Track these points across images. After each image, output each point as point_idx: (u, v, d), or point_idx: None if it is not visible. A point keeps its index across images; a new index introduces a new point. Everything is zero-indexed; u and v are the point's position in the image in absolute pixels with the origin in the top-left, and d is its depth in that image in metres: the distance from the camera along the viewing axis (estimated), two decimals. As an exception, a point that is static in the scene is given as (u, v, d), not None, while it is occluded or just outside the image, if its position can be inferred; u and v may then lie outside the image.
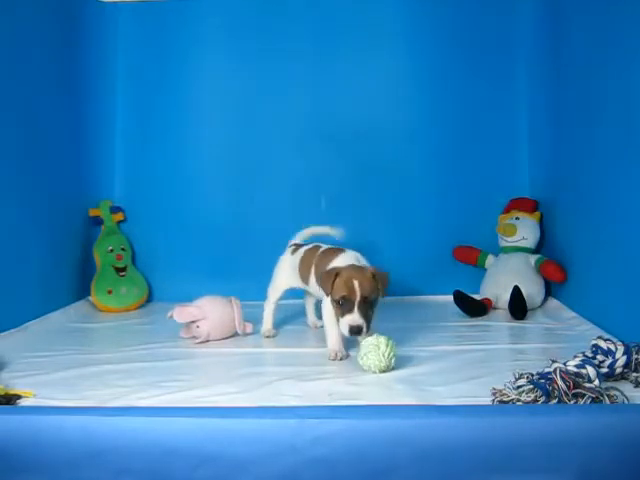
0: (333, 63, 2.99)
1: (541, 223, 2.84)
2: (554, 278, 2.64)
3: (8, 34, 2.35)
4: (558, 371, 1.45)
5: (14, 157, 2.39)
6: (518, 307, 2.47)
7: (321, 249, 2.22)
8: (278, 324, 2.43)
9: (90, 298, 2.92)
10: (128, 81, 3.07)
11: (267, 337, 2.33)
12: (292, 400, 1.60)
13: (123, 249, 3.01)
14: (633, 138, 1.96)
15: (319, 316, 2.18)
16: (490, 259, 2.88)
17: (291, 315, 2.56)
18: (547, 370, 1.49)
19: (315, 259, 2.18)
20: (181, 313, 2.25)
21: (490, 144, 2.98)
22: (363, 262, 2.06)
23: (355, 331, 1.89)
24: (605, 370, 1.64)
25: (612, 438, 1.22)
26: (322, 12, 2.99)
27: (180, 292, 2.70)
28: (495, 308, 2.64)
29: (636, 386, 1.63)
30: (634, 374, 1.66)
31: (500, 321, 2.47)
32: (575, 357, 1.55)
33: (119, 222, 3.08)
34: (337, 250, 2.13)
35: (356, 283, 1.90)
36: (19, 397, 1.61)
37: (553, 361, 1.52)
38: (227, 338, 2.30)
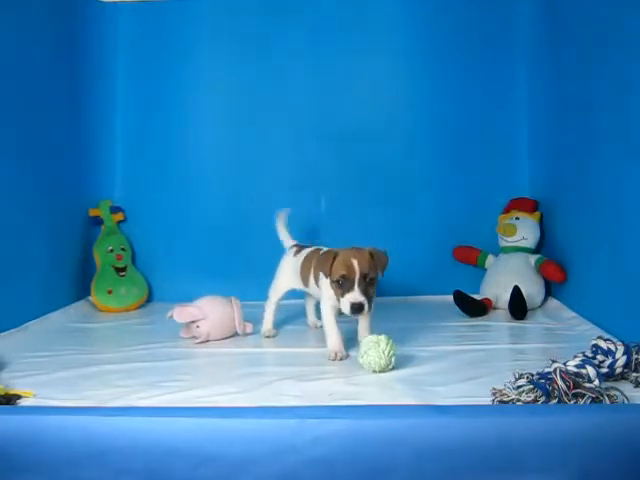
0: (333, 63, 3.00)
1: (541, 223, 2.84)
2: (554, 278, 2.64)
3: (8, 34, 2.35)
4: (558, 371, 1.45)
5: (14, 157, 2.39)
6: (518, 307, 2.47)
7: (322, 252, 2.22)
8: (278, 324, 2.43)
9: (90, 298, 2.92)
10: (128, 81, 3.07)
11: (267, 337, 2.33)
12: (292, 400, 1.60)
13: (123, 249, 3.01)
14: (633, 138, 1.96)
15: (319, 316, 2.18)
16: (490, 259, 2.88)
17: (291, 315, 2.56)
18: (547, 370, 1.49)
19: (315, 262, 2.18)
20: (181, 313, 2.25)
21: (490, 144, 2.99)
22: None
23: (356, 308, 1.90)
24: (605, 370, 1.64)
25: (612, 438, 1.22)
26: (322, 12, 2.99)
27: (180, 292, 2.71)
28: (495, 308, 2.64)
29: (636, 386, 1.63)
30: (634, 374, 1.66)
31: (500, 321, 2.47)
32: (575, 357, 1.55)
33: (119, 222, 3.08)
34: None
35: (355, 262, 1.92)
36: (19, 397, 1.61)
37: (553, 361, 1.52)
38: (227, 338, 2.30)
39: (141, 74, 3.08)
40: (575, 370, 1.48)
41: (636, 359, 1.67)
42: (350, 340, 2.09)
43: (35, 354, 2.09)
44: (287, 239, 2.44)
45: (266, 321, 2.37)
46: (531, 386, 1.47)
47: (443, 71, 2.98)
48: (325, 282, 2.03)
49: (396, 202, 2.99)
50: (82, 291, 2.92)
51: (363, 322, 2.10)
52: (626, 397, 1.49)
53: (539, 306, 2.65)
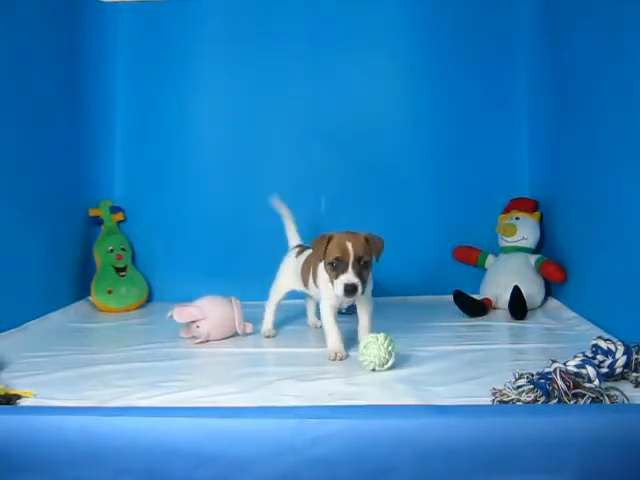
0: (333, 63, 3.00)
1: (541, 223, 2.84)
2: (554, 278, 2.64)
3: (8, 34, 2.35)
4: (558, 371, 1.45)
5: (14, 157, 2.39)
6: (518, 307, 2.47)
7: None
8: (278, 324, 2.43)
9: (90, 298, 2.92)
10: (128, 81, 3.07)
11: (267, 337, 2.33)
12: (292, 400, 1.60)
13: (123, 249, 3.01)
14: (633, 138, 1.96)
15: (319, 316, 2.18)
16: (490, 259, 2.88)
17: (291, 315, 2.56)
18: (547, 370, 1.49)
19: (314, 263, 2.18)
20: (181, 313, 2.25)
21: (490, 144, 2.99)
22: None
23: (350, 289, 1.90)
24: (605, 370, 1.64)
25: (612, 438, 1.22)
26: (322, 12, 3.00)
27: (180, 292, 2.71)
28: (495, 308, 2.64)
29: (636, 386, 1.63)
30: (634, 374, 1.66)
31: (500, 321, 2.47)
32: (575, 357, 1.55)
33: (119, 222, 3.08)
34: None
35: (349, 244, 1.92)
36: (19, 397, 1.61)
37: (553, 361, 1.52)
38: (227, 338, 2.30)
39: (141, 74, 3.08)
40: (575, 370, 1.48)
41: (636, 359, 1.67)
42: (350, 340, 2.09)
43: (35, 354, 2.09)
44: (293, 238, 2.43)
45: (266, 321, 2.37)
46: (531, 386, 1.47)
47: (443, 71, 2.98)
48: (324, 283, 2.03)
49: (396, 202, 2.99)
50: (82, 291, 2.92)
51: (363, 321, 2.10)
52: (626, 397, 1.49)
53: (539, 306, 2.65)
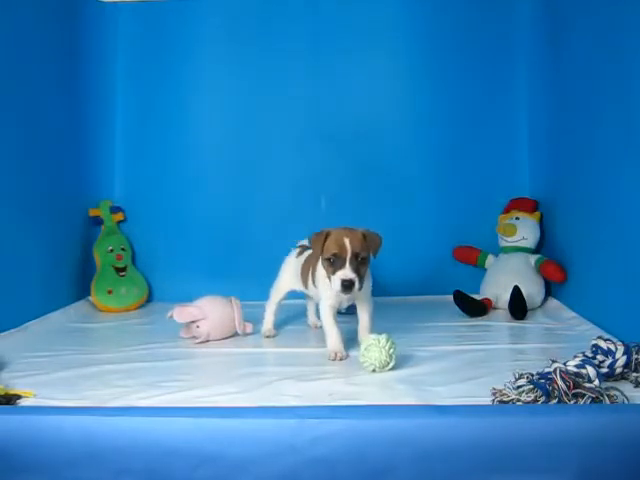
0: (333, 63, 3.00)
1: (541, 223, 2.84)
2: (554, 278, 2.64)
3: (8, 34, 2.35)
4: (558, 371, 1.45)
5: (14, 157, 2.39)
6: (518, 307, 2.47)
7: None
8: (279, 324, 2.43)
9: (90, 298, 2.92)
10: (128, 81, 3.07)
11: (267, 337, 2.33)
12: (292, 400, 1.60)
13: (123, 249, 3.01)
14: (633, 138, 1.96)
15: (320, 316, 2.18)
16: (490, 259, 2.88)
17: (291, 315, 2.56)
18: (547, 370, 1.49)
19: (313, 264, 2.17)
20: (181, 313, 2.25)
21: (490, 144, 2.99)
22: None
23: (347, 285, 1.90)
24: (605, 370, 1.64)
25: (612, 438, 1.22)
26: (322, 12, 3.00)
27: (180, 292, 2.71)
28: (495, 308, 2.64)
29: (636, 386, 1.63)
30: (634, 374, 1.66)
31: (500, 321, 2.47)
32: (575, 357, 1.55)
33: (119, 222, 3.08)
34: None
35: (347, 240, 1.93)
36: (19, 397, 1.61)
37: (553, 361, 1.52)
38: (227, 338, 2.30)
39: (141, 74, 3.08)
40: (575, 370, 1.48)
41: (636, 359, 1.67)
42: (350, 340, 2.09)
43: (35, 354, 2.09)
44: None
45: (266, 321, 2.36)
46: (531, 386, 1.47)
47: (443, 71, 2.98)
48: (323, 282, 2.03)
49: (396, 202, 2.99)
50: (82, 291, 2.92)
51: (363, 322, 2.10)
52: (626, 397, 1.49)
53: (539, 306, 2.65)
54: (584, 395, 1.42)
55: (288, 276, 2.34)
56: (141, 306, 2.94)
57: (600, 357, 1.66)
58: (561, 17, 2.61)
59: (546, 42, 2.78)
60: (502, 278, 2.69)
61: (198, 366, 2.02)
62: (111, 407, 1.53)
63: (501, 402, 1.48)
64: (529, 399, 1.45)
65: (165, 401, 1.63)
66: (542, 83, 2.83)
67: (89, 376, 1.86)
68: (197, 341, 2.25)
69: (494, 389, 1.53)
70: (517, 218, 2.82)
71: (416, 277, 2.91)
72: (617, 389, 1.50)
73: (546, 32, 2.78)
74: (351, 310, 2.20)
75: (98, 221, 3.02)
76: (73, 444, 1.28)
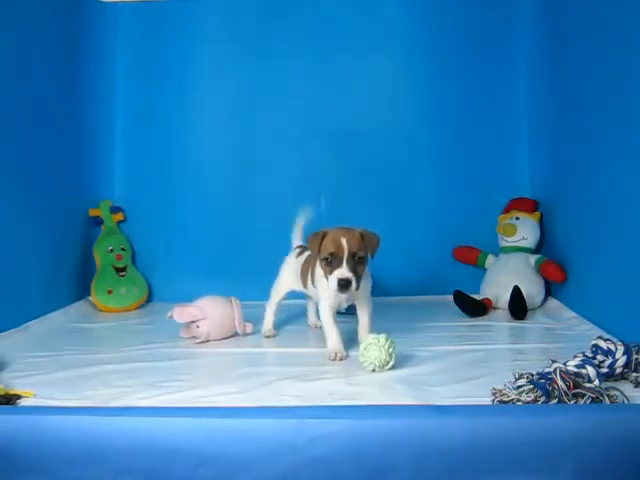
0: (333, 63, 3.00)
1: (541, 223, 2.84)
2: (554, 278, 2.64)
3: (8, 34, 2.35)
4: (558, 371, 1.45)
5: (14, 157, 2.39)
6: (518, 307, 2.47)
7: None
8: (279, 324, 2.43)
9: (90, 298, 2.92)
10: (128, 81, 3.08)
11: (267, 337, 2.33)
12: (292, 400, 1.60)
13: (123, 249, 3.01)
14: (633, 138, 1.96)
15: (320, 316, 2.18)
16: (490, 259, 2.88)
17: (292, 315, 2.56)
18: (547, 370, 1.49)
19: (312, 264, 2.17)
20: (181, 313, 2.25)
21: (490, 144, 2.99)
22: None
23: (344, 284, 1.90)
24: (605, 370, 1.64)
25: (612, 438, 1.22)
26: (321, 13, 3.00)
27: (180, 292, 2.71)
28: (495, 308, 2.64)
29: (636, 386, 1.63)
30: (634, 374, 1.66)
31: (500, 321, 2.47)
32: (575, 357, 1.55)
33: (119, 222, 3.08)
34: None
35: (344, 240, 1.93)
36: (19, 397, 1.61)
37: (553, 361, 1.52)
38: (227, 338, 2.30)
39: (141, 74, 3.08)
40: (575, 370, 1.48)
41: (636, 359, 1.67)
42: (350, 340, 2.09)
43: (35, 354, 2.09)
44: (297, 239, 2.42)
45: (266, 321, 2.37)
46: (531, 386, 1.47)
47: (443, 71, 2.98)
48: (322, 282, 2.03)
49: (396, 202, 2.99)
50: (82, 291, 2.92)
51: (363, 322, 2.11)
52: (626, 397, 1.49)
53: (539, 306, 2.65)
54: (584, 395, 1.42)
55: (288, 276, 2.34)
56: (141, 306, 2.94)
57: (600, 357, 1.66)
58: (561, 17, 2.61)
59: (546, 42, 2.78)
60: (502, 278, 2.69)
61: (198, 366, 2.02)
62: (111, 407, 1.54)
63: (501, 402, 1.48)
64: (529, 399, 1.45)
65: (165, 401, 1.63)
66: (542, 83, 2.83)
67: (89, 376, 1.86)
68: (197, 341, 2.25)
69: (494, 389, 1.53)
70: (517, 218, 2.82)
71: (416, 277, 2.91)
72: (617, 389, 1.50)
73: (546, 32, 2.78)
74: (351, 310, 2.20)
75: (98, 221, 3.02)
76: (73, 444, 1.28)
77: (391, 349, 1.82)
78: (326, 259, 1.95)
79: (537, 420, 1.25)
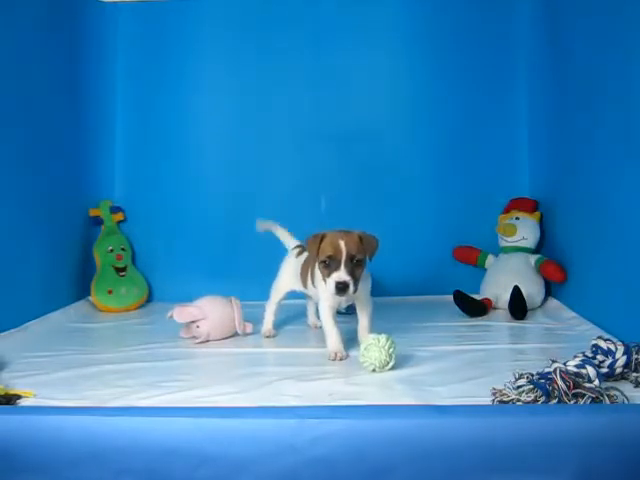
0: (333, 63, 3.00)
1: (541, 223, 2.84)
2: (554, 278, 2.64)
3: (8, 34, 2.35)
4: (558, 371, 1.45)
5: (14, 157, 2.39)
6: (518, 307, 2.47)
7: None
8: (279, 324, 2.43)
9: (90, 298, 2.92)
10: (128, 81, 3.07)
11: (267, 337, 2.33)
12: (292, 400, 1.60)
13: (123, 249, 3.01)
14: (633, 138, 1.96)
15: (320, 316, 2.18)
16: (490, 259, 2.88)
17: (291, 315, 2.56)
18: (547, 370, 1.49)
19: (312, 264, 2.17)
20: (181, 313, 2.25)
21: (490, 144, 2.99)
22: None
23: (341, 287, 1.90)
24: (605, 370, 1.64)
25: (612, 438, 1.22)
26: (322, 12, 2.99)
27: (180, 292, 2.71)
28: (495, 308, 2.64)
29: (636, 386, 1.63)
30: (634, 374, 1.66)
31: (500, 321, 2.47)
32: (575, 357, 1.55)
33: (119, 222, 3.08)
34: None
35: (342, 243, 1.93)
36: (19, 397, 1.61)
37: (553, 361, 1.52)
38: (227, 338, 2.30)
39: (141, 74, 3.08)
40: (575, 370, 1.48)
41: (636, 359, 1.67)
42: (350, 340, 2.09)
43: (35, 354, 2.09)
44: (288, 239, 2.42)
45: (266, 321, 2.37)
46: (531, 386, 1.47)
47: (443, 71, 2.98)
48: (322, 283, 2.03)
49: (396, 202, 2.99)
50: (82, 291, 2.92)
51: (363, 322, 2.11)
52: (626, 397, 1.49)
53: (539, 306, 2.65)
54: (584, 395, 1.42)
55: (287, 276, 2.34)
56: (141, 306, 2.94)
57: (600, 357, 1.66)
58: (561, 17, 2.61)
59: (546, 42, 2.78)
60: (502, 278, 2.69)
61: (198, 366, 2.02)
62: (111, 407, 1.53)
63: (501, 402, 1.48)
64: (529, 399, 1.45)
65: (165, 401, 1.63)
66: (542, 83, 2.83)
67: (89, 376, 1.86)
68: (197, 341, 2.25)
69: (494, 389, 1.53)
70: (517, 218, 2.82)
71: (416, 277, 2.91)
72: (617, 389, 1.50)
73: (546, 32, 2.78)
74: (351, 310, 2.20)
75: (98, 221, 3.02)
76: (73, 444, 1.28)
77: (391, 350, 1.82)
78: (324, 262, 1.95)
79: (537, 420, 1.25)
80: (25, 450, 1.28)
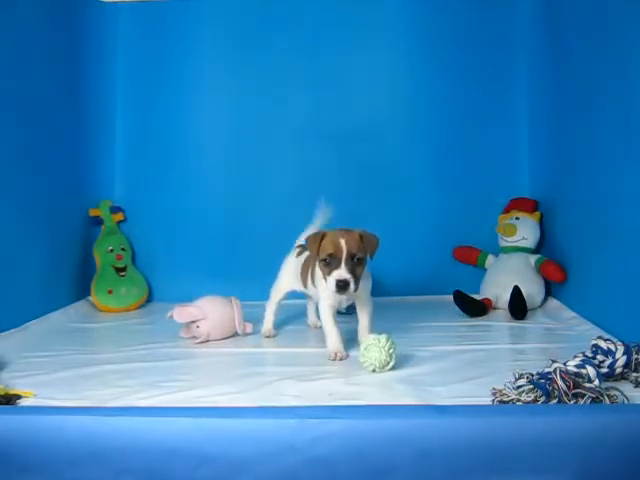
0: (333, 63, 3.00)
1: (541, 223, 2.84)
2: (554, 278, 2.64)
3: (8, 34, 2.35)
4: (558, 371, 1.45)
5: (14, 157, 2.39)
6: (518, 307, 2.47)
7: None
8: (279, 324, 2.43)
9: (90, 298, 2.92)
10: (128, 81, 3.07)
11: (267, 337, 2.33)
12: (292, 400, 1.60)
13: (123, 249, 3.01)
14: (633, 138, 1.96)
15: (320, 316, 2.18)
16: (490, 259, 2.88)
17: (291, 315, 2.56)
18: (547, 370, 1.49)
19: (312, 264, 2.17)
20: (181, 313, 2.25)
21: (490, 144, 2.99)
22: None
23: (342, 285, 1.90)
24: (605, 370, 1.64)
25: (612, 438, 1.22)
26: (322, 12, 2.99)
27: (180, 292, 2.71)
28: (495, 308, 2.64)
29: (636, 386, 1.63)
30: (634, 374, 1.66)
31: (500, 321, 2.47)
32: (575, 357, 1.55)
33: (119, 222, 3.08)
34: None
35: (342, 241, 1.93)
36: (19, 397, 1.61)
37: (553, 361, 1.52)
38: (227, 338, 2.30)
39: (141, 74, 3.08)
40: (575, 370, 1.48)
41: (636, 359, 1.67)
42: (350, 340, 2.09)
43: (35, 354, 2.09)
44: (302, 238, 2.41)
45: (266, 321, 2.37)
46: (531, 386, 1.47)
47: (443, 71, 2.98)
48: (323, 283, 2.03)
49: (396, 202, 2.99)
50: (82, 291, 2.92)
51: (363, 322, 2.11)
52: (626, 397, 1.49)
53: (539, 306, 2.65)
54: (584, 395, 1.42)
55: (288, 276, 2.34)
56: (141, 306, 2.94)
57: (600, 357, 1.66)
58: (561, 17, 2.61)
59: (546, 42, 2.78)
60: (502, 278, 2.69)
61: (198, 366, 2.02)
62: (111, 407, 1.53)
63: (501, 402, 1.48)
64: (529, 399, 1.45)
65: (165, 401, 1.63)
66: (542, 83, 2.83)
67: (89, 376, 1.86)
68: (197, 341, 2.25)
69: (494, 389, 1.53)
70: (517, 218, 2.82)
71: (416, 277, 2.91)
72: (617, 389, 1.50)
73: (546, 32, 2.78)
74: (351, 310, 2.21)
75: (98, 221, 3.02)
76: (73, 444, 1.28)
77: (391, 350, 1.82)
78: (325, 260, 1.95)
79: (537, 420, 1.25)
80: (25, 450, 1.28)
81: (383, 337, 1.83)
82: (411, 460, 1.23)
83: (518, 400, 1.46)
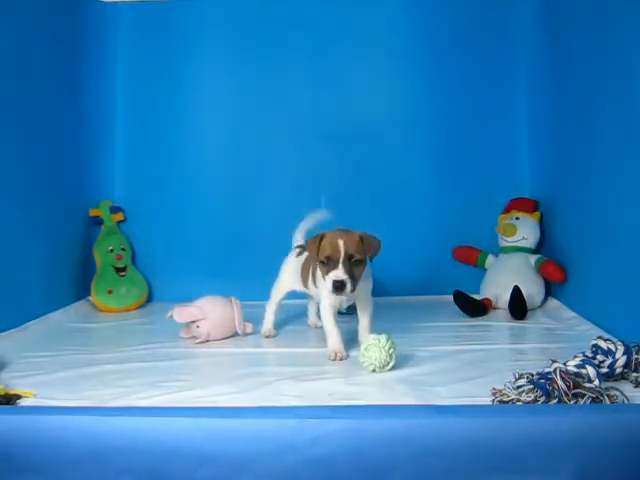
0: (333, 63, 3.00)
1: (541, 223, 2.84)
2: (554, 278, 2.64)
3: (8, 34, 2.35)
4: (558, 371, 1.45)
5: (14, 157, 2.39)
6: (518, 307, 2.47)
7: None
8: (279, 324, 2.43)
9: (90, 298, 2.92)
10: (128, 81, 3.08)
11: (267, 337, 2.33)
12: (292, 400, 1.60)
13: (123, 249, 3.01)
14: (633, 138, 1.96)
15: (320, 316, 2.18)
16: (490, 259, 2.88)
17: (292, 315, 2.56)
18: (547, 370, 1.49)
19: (313, 264, 2.18)
20: (181, 313, 2.25)
21: (490, 144, 2.99)
22: None
23: (338, 286, 1.90)
24: (605, 370, 1.64)
25: (612, 438, 1.22)
26: (322, 12, 2.99)
27: (180, 292, 2.71)
28: (495, 308, 2.64)
29: (636, 386, 1.63)
30: (634, 374, 1.66)
31: (500, 321, 2.47)
32: (575, 357, 1.55)
33: (119, 222, 3.08)
34: None
35: (341, 242, 1.93)
36: (19, 397, 1.61)
37: (553, 361, 1.52)
38: (227, 338, 2.30)
39: (141, 74, 3.08)
40: (575, 370, 1.48)
41: (636, 359, 1.67)
42: (350, 340, 2.09)
43: (35, 354, 2.09)
44: (300, 239, 2.41)
45: (267, 321, 2.37)
46: (531, 386, 1.47)
47: (443, 71, 2.98)
48: (323, 283, 2.03)
49: (396, 202, 2.99)
50: (82, 291, 2.92)
51: (363, 322, 2.11)
52: (626, 397, 1.49)
53: (539, 306, 2.65)
54: (584, 395, 1.42)
55: (288, 276, 2.34)
56: (141, 306, 2.94)
57: (600, 357, 1.66)
58: (561, 17, 2.61)
59: (546, 42, 2.78)
60: (502, 278, 2.69)
61: (198, 366, 2.02)
62: (111, 407, 1.53)
63: (501, 402, 1.48)
64: (529, 399, 1.45)
65: (165, 401, 1.63)
66: (542, 83, 2.83)
67: (89, 376, 1.86)
68: (197, 341, 2.25)
69: (494, 389, 1.53)
70: (517, 218, 2.82)
71: (416, 277, 2.91)
72: (617, 389, 1.50)
73: (546, 32, 2.78)
74: (351, 310, 2.20)
75: (98, 221, 3.02)
76: (73, 444, 1.28)
77: (391, 350, 1.82)
78: (323, 261, 1.96)
79: (537, 420, 1.25)
80: (25, 450, 1.28)
81: (383, 337, 1.83)
82: (411, 460, 1.23)
83: (518, 400, 1.46)
